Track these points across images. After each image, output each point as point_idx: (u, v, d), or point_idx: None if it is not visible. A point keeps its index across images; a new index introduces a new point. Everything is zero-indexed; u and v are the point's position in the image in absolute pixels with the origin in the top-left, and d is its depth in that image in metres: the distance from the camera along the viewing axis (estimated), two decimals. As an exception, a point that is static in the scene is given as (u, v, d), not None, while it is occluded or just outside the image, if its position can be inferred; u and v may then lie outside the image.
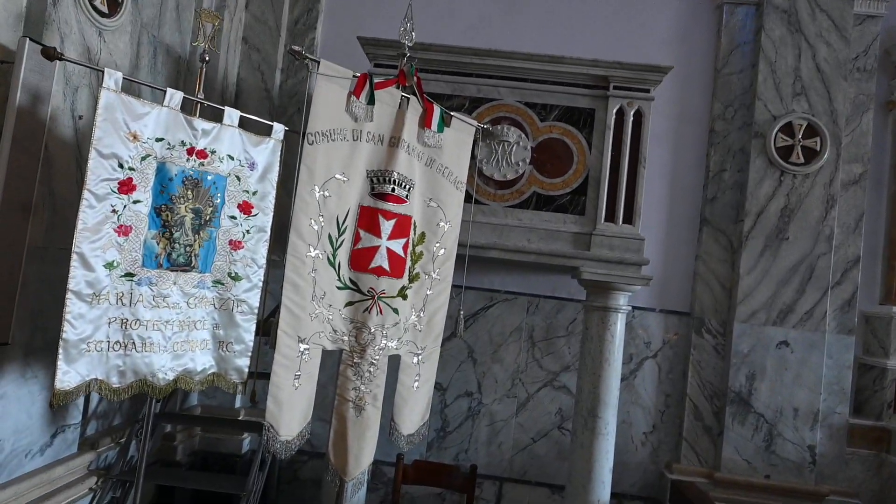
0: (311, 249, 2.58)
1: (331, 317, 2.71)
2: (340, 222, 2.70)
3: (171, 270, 2.51)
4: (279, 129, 2.85)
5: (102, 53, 3.01)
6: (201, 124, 2.54)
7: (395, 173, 2.76)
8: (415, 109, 2.88)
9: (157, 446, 3.97)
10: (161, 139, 2.41)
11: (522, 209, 3.54)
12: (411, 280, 2.95)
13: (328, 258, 2.67)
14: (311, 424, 2.67)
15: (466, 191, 3.11)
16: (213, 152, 2.58)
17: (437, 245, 3.01)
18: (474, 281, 4.34)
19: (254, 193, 2.79)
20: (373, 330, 2.77)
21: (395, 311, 2.86)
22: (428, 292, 3.01)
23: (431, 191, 2.96)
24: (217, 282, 2.71)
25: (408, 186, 2.83)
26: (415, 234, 2.93)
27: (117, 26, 3.07)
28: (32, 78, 2.47)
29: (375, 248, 2.77)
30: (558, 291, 4.46)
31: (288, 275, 2.52)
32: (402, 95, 2.84)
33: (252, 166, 2.76)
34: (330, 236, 2.66)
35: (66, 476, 3.03)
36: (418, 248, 2.96)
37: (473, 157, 3.23)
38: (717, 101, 4.38)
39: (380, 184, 2.76)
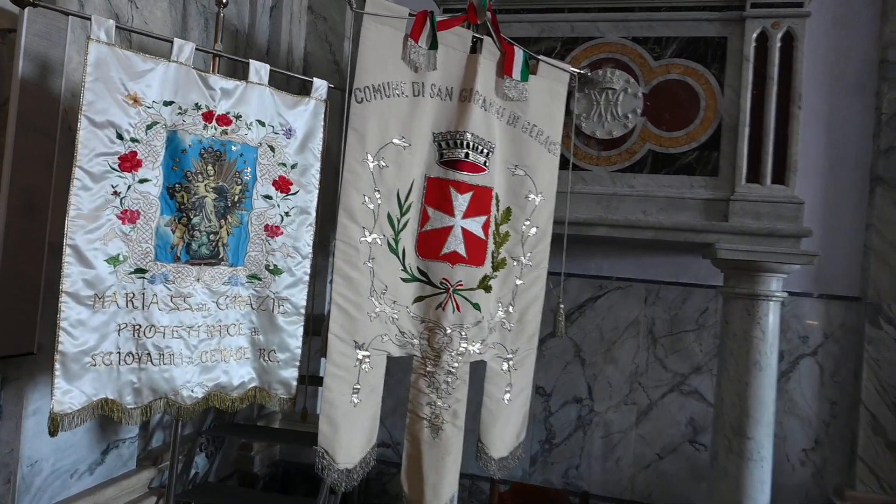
0: (367, 233, 2.15)
1: (396, 315, 2.26)
2: (402, 198, 2.25)
3: (192, 264, 2.08)
4: (320, 85, 2.36)
5: (135, 21, 2.67)
6: (220, 82, 2.09)
7: (469, 135, 2.31)
8: (490, 54, 2.39)
9: (234, 457, 3.69)
10: (170, 102, 1.98)
11: (635, 173, 2.97)
12: (495, 268, 2.49)
13: (389, 243, 2.23)
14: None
15: (562, 154, 2.61)
16: (237, 117, 2.13)
17: (527, 223, 2.53)
18: (577, 266, 3.73)
19: (292, 167, 2.34)
20: (449, 331, 2.33)
21: (476, 306, 2.39)
22: (518, 282, 2.54)
23: (516, 155, 2.49)
24: (253, 276, 2.27)
25: (486, 151, 2.36)
26: (497, 210, 2.46)
27: (151, -10, 2.71)
28: (38, 45, 2.13)
29: (448, 230, 2.32)
30: (683, 276, 3.75)
31: (338, 265, 2.10)
32: (474, 36, 2.35)
33: (289, 133, 2.30)
34: (389, 216, 2.22)
35: (120, 497, 2.75)
36: (503, 228, 2.50)
37: (569, 111, 2.74)
38: (889, 21, 3.43)
39: (450, 149, 2.31)
